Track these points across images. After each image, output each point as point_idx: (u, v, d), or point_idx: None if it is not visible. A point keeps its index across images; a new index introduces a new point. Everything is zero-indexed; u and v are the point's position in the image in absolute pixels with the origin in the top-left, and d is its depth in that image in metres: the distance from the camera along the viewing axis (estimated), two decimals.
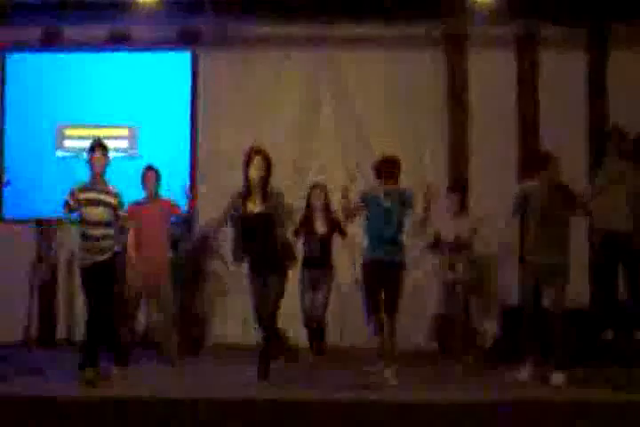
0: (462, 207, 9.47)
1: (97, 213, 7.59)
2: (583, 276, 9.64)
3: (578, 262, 9.06)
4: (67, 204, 7.56)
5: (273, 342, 7.53)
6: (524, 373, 7.70)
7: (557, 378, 7.45)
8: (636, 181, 8.34)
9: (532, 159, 7.81)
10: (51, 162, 10.53)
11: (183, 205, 9.57)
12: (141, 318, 9.58)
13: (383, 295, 7.60)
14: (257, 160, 7.39)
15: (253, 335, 8.06)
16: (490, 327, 9.65)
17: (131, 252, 8.35)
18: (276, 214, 7.37)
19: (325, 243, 8.93)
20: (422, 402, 6.63)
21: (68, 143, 10.72)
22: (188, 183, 9.47)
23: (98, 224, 7.58)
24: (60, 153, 10.63)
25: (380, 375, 7.47)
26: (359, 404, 6.59)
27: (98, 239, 7.58)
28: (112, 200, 7.66)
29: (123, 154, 10.71)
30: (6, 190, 9.31)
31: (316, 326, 8.89)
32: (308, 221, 8.91)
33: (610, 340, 8.48)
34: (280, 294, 7.48)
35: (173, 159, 10.61)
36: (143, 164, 9.38)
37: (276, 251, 7.39)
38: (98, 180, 7.66)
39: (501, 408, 6.47)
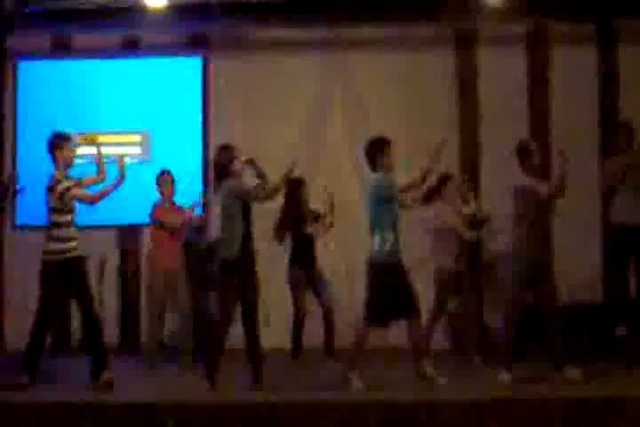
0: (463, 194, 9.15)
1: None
2: (596, 272, 9.59)
3: (590, 258, 9.05)
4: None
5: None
6: (504, 375, 7.40)
7: (572, 373, 7.34)
8: None
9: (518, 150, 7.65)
10: None
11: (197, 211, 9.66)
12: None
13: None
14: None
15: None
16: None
17: None
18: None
19: (312, 241, 9.04)
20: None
21: (79, 150, 10.72)
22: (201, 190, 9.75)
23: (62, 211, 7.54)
24: None
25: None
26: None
27: (63, 226, 7.54)
28: (70, 183, 7.60)
29: (136, 160, 10.79)
30: (19, 197, 9.30)
31: (326, 325, 8.89)
32: (296, 220, 8.95)
33: (623, 335, 8.42)
34: (257, 296, 7.31)
35: (186, 164, 10.65)
36: (156, 169, 9.44)
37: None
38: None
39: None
